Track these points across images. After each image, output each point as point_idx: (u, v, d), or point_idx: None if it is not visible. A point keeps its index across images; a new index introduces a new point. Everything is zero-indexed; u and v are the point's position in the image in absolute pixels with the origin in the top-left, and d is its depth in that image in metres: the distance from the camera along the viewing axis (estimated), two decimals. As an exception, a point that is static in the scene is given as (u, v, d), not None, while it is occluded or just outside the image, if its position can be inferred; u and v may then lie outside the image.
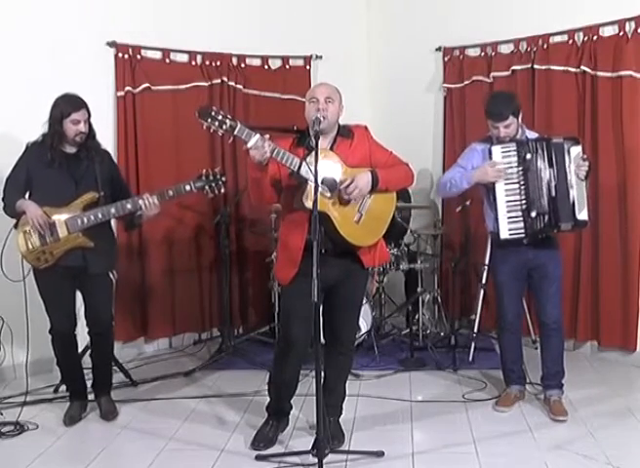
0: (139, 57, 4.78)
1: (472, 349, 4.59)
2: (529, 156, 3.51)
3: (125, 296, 4.75)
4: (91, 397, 3.82)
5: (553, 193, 3.52)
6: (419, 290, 4.92)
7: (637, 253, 4.41)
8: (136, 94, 4.78)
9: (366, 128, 3.30)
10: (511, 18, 4.91)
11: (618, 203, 4.45)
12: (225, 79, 5.10)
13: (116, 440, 3.49)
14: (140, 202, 3.46)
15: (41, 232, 3.40)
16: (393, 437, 3.46)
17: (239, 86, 5.16)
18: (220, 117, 2.92)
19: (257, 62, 5.27)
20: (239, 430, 3.57)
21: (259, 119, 5.19)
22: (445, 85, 5.27)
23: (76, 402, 3.74)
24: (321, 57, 5.43)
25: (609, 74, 4.42)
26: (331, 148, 3.18)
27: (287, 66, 5.34)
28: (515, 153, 3.54)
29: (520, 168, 3.53)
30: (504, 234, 3.56)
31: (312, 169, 2.90)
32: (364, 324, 4.56)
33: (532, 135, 3.71)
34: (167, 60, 4.92)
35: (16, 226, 3.49)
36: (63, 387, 3.97)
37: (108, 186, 3.58)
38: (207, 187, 3.53)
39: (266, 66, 5.29)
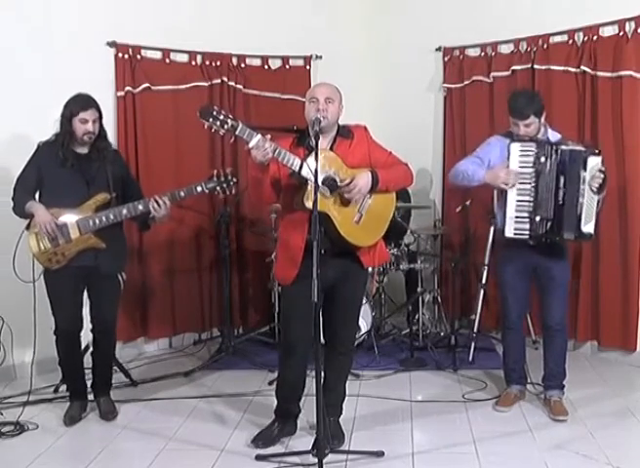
0: (139, 57, 4.78)
1: (472, 349, 4.59)
2: (543, 159, 3.46)
3: (125, 296, 4.71)
4: (90, 397, 3.82)
5: (560, 201, 3.45)
6: (419, 290, 4.92)
7: (637, 253, 4.41)
8: (136, 94, 4.78)
9: (365, 128, 3.30)
10: (511, 18, 4.91)
11: (618, 203, 4.45)
12: (225, 79, 5.10)
13: (116, 440, 3.49)
14: (151, 203, 3.47)
15: (50, 237, 3.40)
16: (393, 437, 3.46)
17: (239, 86, 5.16)
18: (221, 117, 2.91)
19: (257, 62, 5.27)
20: (239, 430, 3.57)
21: (259, 119, 5.19)
22: (445, 85, 5.27)
23: (76, 402, 3.74)
24: (321, 57, 5.43)
25: (609, 74, 4.42)
26: (330, 148, 3.17)
27: (287, 66, 5.34)
28: (533, 153, 3.48)
29: (534, 169, 3.49)
30: (509, 232, 3.55)
31: (312, 170, 2.90)
32: (364, 324, 4.57)
33: (555, 136, 3.65)
34: (167, 60, 4.92)
35: (27, 227, 3.49)
36: (64, 387, 3.97)
37: (120, 187, 3.58)
38: (218, 188, 3.55)
39: (266, 66, 5.29)
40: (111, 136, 4.66)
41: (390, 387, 4.15)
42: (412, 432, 3.52)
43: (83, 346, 4.04)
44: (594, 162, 3.46)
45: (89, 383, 3.83)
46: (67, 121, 3.46)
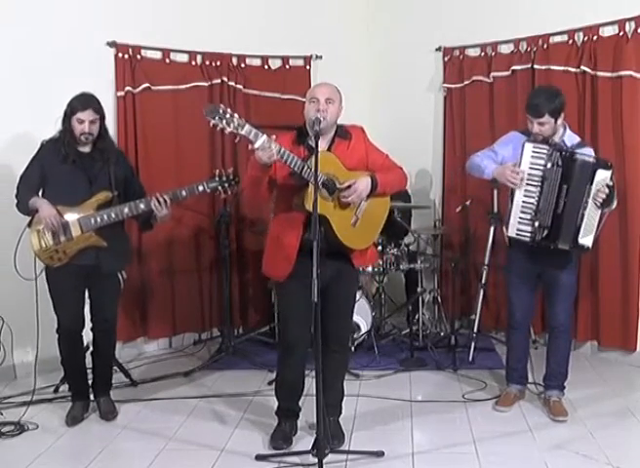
0: (139, 57, 4.78)
1: (472, 349, 4.59)
2: (549, 165, 3.41)
3: (125, 296, 4.72)
4: (91, 397, 3.81)
5: (560, 210, 3.42)
6: (419, 290, 4.92)
7: (637, 253, 4.41)
8: (136, 94, 4.78)
9: (362, 129, 3.30)
10: (511, 18, 4.91)
11: (618, 203, 4.44)
12: (225, 79, 5.10)
13: (116, 440, 3.49)
14: (153, 202, 3.47)
15: (54, 231, 3.40)
16: (393, 437, 3.46)
17: (239, 86, 5.16)
18: (227, 115, 2.89)
19: (257, 62, 5.27)
20: (239, 430, 3.57)
21: (258, 119, 5.17)
22: (445, 85, 5.27)
23: (79, 402, 3.74)
24: (321, 57, 5.43)
25: (609, 74, 4.42)
26: (329, 149, 3.17)
27: (287, 66, 5.34)
28: (545, 156, 3.43)
29: (542, 173, 3.44)
30: (512, 232, 3.54)
31: (320, 169, 2.90)
32: (364, 324, 4.57)
33: (573, 138, 3.59)
34: (167, 60, 4.92)
35: (29, 225, 3.49)
36: (64, 387, 3.98)
37: (122, 186, 3.59)
38: (220, 188, 3.54)
39: (266, 66, 5.29)
40: (111, 135, 4.70)
41: (390, 387, 4.15)
42: (412, 432, 3.52)
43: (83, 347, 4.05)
44: (602, 175, 3.40)
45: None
46: (67, 119, 3.48)
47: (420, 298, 4.94)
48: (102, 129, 3.56)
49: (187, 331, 5.21)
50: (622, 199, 4.42)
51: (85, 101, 3.49)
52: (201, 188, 3.53)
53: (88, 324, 3.72)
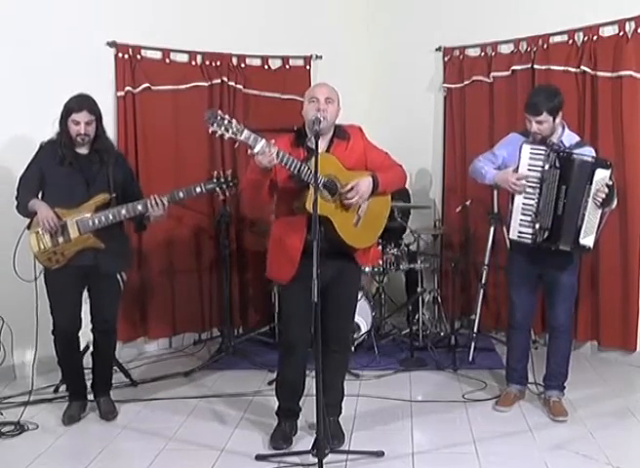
0: (139, 57, 4.78)
1: (472, 349, 4.59)
2: (547, 167, 3.40)
3: (125, 296, 4.71)
4: (90, 397, 3.81)
5: (560, 211, 3.40)
6: (419, 290, 4.92)
7: (637, 252, 4.41)
8: (136, 94, 4.78)
9: (360, 128, 3.30)
10: (511, 18, 4.92)
11: (618, 203, 4.43)
12: (225, 79, 5.10)
13: (116, 440, 3.49)
14: (150, 203, 3.47)
15: (52, 233, 3.41)
16: (393, 437, 3.46)
17: (239, 86, 5.16)
18: (226, 121, 2.90)
19: (257, 62, 5.27)
20: (239, 430, 3.57)
21: (258, 119, 5.19)
22: (445, 85, 5.27)
23: (75, 402, 3.74)
24: (321, 57, 5.43)
25: (609, 74, 4.42)
26: (328, 149, 3.17)
27: (287, 66, 5.35)
28: (543, 158, 3.42)
29: (540, 175, 3.44)
30: (513, 235, 3.54)
31: (319, 171, 2.91)
32: (364, 324, 4.57)
33: (572, 138, 3.58)
34: (167, 60, 4.92)
35: (29, 227, 3.49)
36: (64, 387, 3.97)
37: (121, 188, 3.58)
38: (218, 189, 3.54)
39: (266, 66, 5.29)
40: (111, 136, 4.65)
41: (390, 387, 4.15)
42: (412, 432, 3.52)
43: (83, 346, 4.04)
44: (601, 175, 3.39)
45: (89, 383, 3.83)
46: (63, 120, 3.48)
47: (420, 298, 4.94)
48: (99, 130, 3.55)
49: (187, 331, 5.21)
50: (622, 199, 4.42)
51: (80, 102, 3.48)
52: (198, 190, 3.53)
53: (88, 325, 3.71)
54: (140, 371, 4.53)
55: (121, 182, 3.60)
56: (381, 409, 3.81)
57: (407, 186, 4.25)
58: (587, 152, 3.51)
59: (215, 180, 3.54)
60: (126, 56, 4.74)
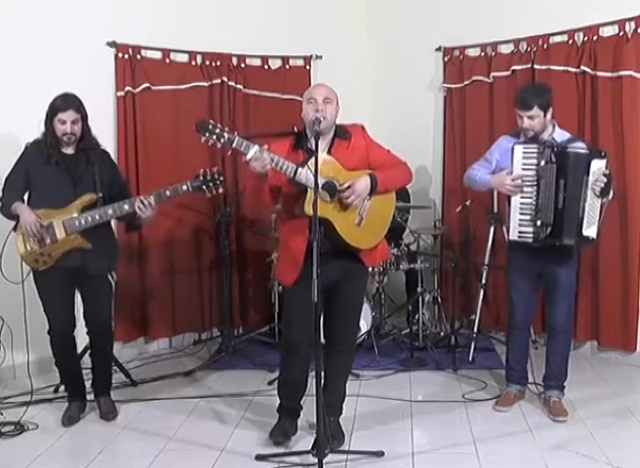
0: (139, 57, 4.78)
1: (472, 349, 4.59)
2: (543, 163, 3.40)
3: (125, 296, 4.75)
4: (91, 397, 3.82)
5: (560, 205, 3.39)
6: (419, 290, 4.92)
7: (637, 253, 4.41)
8: (136, 94, 4.78)
9: (362, 127, 3.30)
10: (511, 18, 4.91)
11: (618, 202, 4.44)
12: (225, 79, 5.10)
13: (116, 440, 3.49)
14: (136, 203, 3.45)
15: (35, 238, 3.40)
16: (393, 437, 3.46)
17: (239, 86, 5.16)
18: (217, 130, 2.92)
19: (257, 62, 5.27)
20: (239, 430, 3.57)
21: (258, 119, 5.21)
22: (445, 85, 5.27)
23: (75, 402, 3.74)
24: (321, 57, 5.43)
25: (609, 74, 4.42)
26: (329, 150, 3.17)
27: (287, 66, 5.34)
28: (536, 155, 3.43)
29: (536, 172, 3.44)
30: (513, 235, 3.53)
31: (312, 172, 2.91)
32: (364, 324, 4.56)
33: (563, 135, 3.59)
34: (167, 60, 4.92)
35: (15, 228, 3.49)
36: (63, 387, 3.97)
37: (107, 187, 3.56)
38: (204, 187, 3.50)
39: (266, 66, 5.28)
40: (111, 136, 4.73)
41: (390, 387, 4.15)
42: (412, 432, 3.52)
43: (82, 347, 4.05)
44: (598, 165, 3.40)
45: (88, 383, 3.83)
46: (49, 120, 3.46)
47: (420, 298, 4.94)
48: (85, 129, 3.53)
49: (187, 331, 5.21)
50: (622, 199, 4.44)
51: (65, 102, 3.46)
52: (185, 188, 3.50)
53: (83, 325, 3.71)
54: (139, 371, 4.52)
55: (108, 182, 3.58)
56: (381, 409, 3.81)
57: (407, 186, 4.24)
58: (580, 146, 3.51)
59: (201, 178, 3.50)
60: (126, 56, 4.74)
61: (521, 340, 3.82)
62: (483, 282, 4.69)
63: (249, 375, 4.39)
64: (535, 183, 3.45)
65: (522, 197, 3.49)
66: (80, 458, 3.27)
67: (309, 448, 3.15)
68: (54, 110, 3.44)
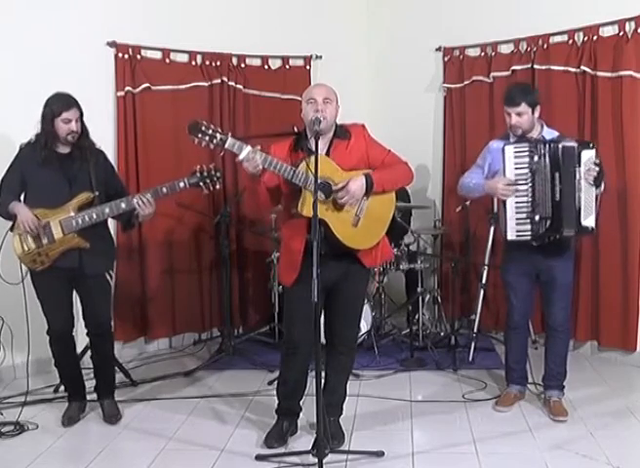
0: (139, 57, 4.78)
1: (472, 349, 4.59)
2: (536, 158, 3.44)
3: (125, 296, 4.75)
4: (93, 397, 3.81)
5: (558, 197, 3.42)
6: (419, 290, 4.92)
7: (637, 253, 4.41)
8: (136, 94, 4.78)
9: (363, 126, 3.29)
10: (511, 18, 4.91)
11: (618, 203, 4.45)
12: (225, 79, 5.10)
13: (116, 440, 3.49)
14: (135, 200, 3.43)
15: (32, 235, 3.40)
16: (393, 437, 3.46)
17: (239, 86, 5.16)
18: (210, 132, 2.93)
19: (257, 62, 5.27)
20: (239, 430, 3.57)
21: (258, 119, 5.20)
22: (445, 85, 5.27)
23: (75, 402, 3.74)
24: (321, 57, 5.43)
25: (609, 74, 4.42)
26: (328, 150, 3.17)
27: (287, 66, 5.35)
28: (527, 154, 3.46)
29: (529, 170, 3.46)
30: (511, 235, 3.53)
31: (311, 173, 2.92)
32: (364, 324, 4.55)
33: (551, 133, 3.63)
34: (167, 60, 4.92)
35: (12, 229, 3.48)
36: (63, 387, 3.97)
37: (103, 186, 3.55)
38: (201, 183, 3.49)
39: (266, 66, 5.29)
40: (111, 135, 4.73)
41: (390, 387, 4.15)
42: (412, 432, 3.52)
43: (82, 348, 4.05)
44: (588, 155, 3.44)
45: (89, 384, 3.82)
46: (49, 121, 3.44)
47: (420, 298, 4.94)
48: (83, 126, 3.53)
49: (187, 331, 5.21)
50: (623, 198, 4.44)
51: (67, 101, 3.46)
52: (182, 184, 3.49)
53: (84, 326, 3.71)
54: (139, 371, 4.52)
55: (103, 180, 3.57)
56: (381, 409, 3.81)
57: (407, 186, 4.24)
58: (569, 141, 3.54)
59: (198, 175, 3.50)
60: (126, 56, 4.74)
61: (520, 341, 3.82)
62: (483, 282, 4.69)
63: (249, 375, 4.39)
64: (529, 181, 3.47)
65: (516, 196, 3.50)
66: (80, 458, 3.27)
67: (309, 448, 3.15)
68: (57, 110, 3.42)
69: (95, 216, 3.44)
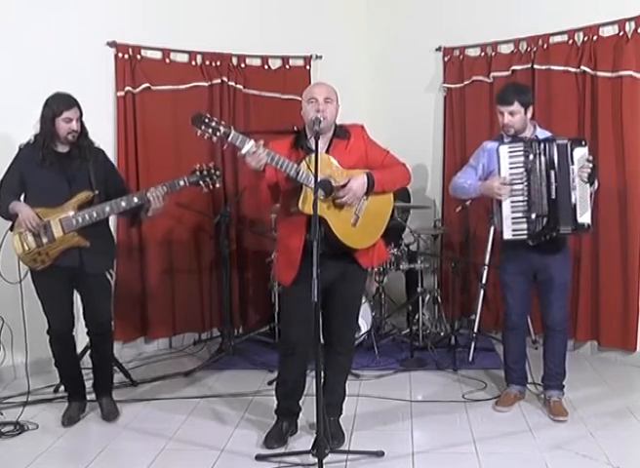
0: (139, 57, 4.79)
1: (472, 349, 4.59)
2: (531, 157, 3.45)
3: (125, 296, 4.75)
4: (92, 397, 3.81)
5: (553, 195, 3.44)
6: (419, 290, 4.92)
7: (637, 253, 4.41)
8: (136, 94, 4.78)
9: (362, 127, 3.29)
10: (511, 18, 4.91)
11: (617, 203, 4.45)
12: (225, 79, 5.10)
13: (116, 440, 3.49)
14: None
15: (34, 233, 3.40)
16: (393, 437, 3.46)
17: (239, 86, 5.16)
18: (213, 124, 2.91)
19: (257, 62, 5.27)
20: (239, 430, 3.57)
21: (258, 119, 5.20)
22: (445, 85, 5.27)
23: (74, 402, 3.74)
24: (321, 57, 5.43)
25: (609, 74, 4.42)
26: (327, 150, 3.17)
27: (287, 66, 5.35)
28: (522, 153, 3.48)
29: (524, 169, 3.48)
30: (507, 235, 3.54)
31: (312, 171, 2.91)
32: (364, 324, 4.57)
33: (544, 134, 3.64)
34: (167, 60, 4.92)
35: (11, 229, 3.48)
36: (63, 387, 3.97)
37: (103, 185, 3.56)
38: (201, 182, 3.50)
39: (266, 66, 5.29)
40: (111, 135, 4.74)
41: (390, 387, 4.15)
42: (412, 432, 3.52)
43: (82, 347, 4.05)
44: (580, 153, 3.45)
45: (89, 384, 3.83)
46: (49, 121, 3.44)
47: (420, 298, 4.94)
48: (83, 125, 3.54)
49: (187, 331, 5.21)
50: (622, 198, 4.44)
51: (68, 100, 3.46)
52: (182, 183, 3.50)
53: (83, 326, 3.71)
54: (139, 371, 4.52)
55: (103, 179, 3.57)
56: (381, 409, 3.81)
57: (407, 186, 4.24)
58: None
59: (198, 173, 3.50)
60: (126, 56, 4.74)
61: (518, 341, 3.82)
62: (483, 282, 4.69)
63: (249, 375, 4.39)
64: (524, 180, 3.49)
65: (512, 195, 3.51)
66: (80, 458, 3.27)
67: (309, 448, 3.14)
68: (58, 110, 3.43)
69: (95, 215, 3.44)
